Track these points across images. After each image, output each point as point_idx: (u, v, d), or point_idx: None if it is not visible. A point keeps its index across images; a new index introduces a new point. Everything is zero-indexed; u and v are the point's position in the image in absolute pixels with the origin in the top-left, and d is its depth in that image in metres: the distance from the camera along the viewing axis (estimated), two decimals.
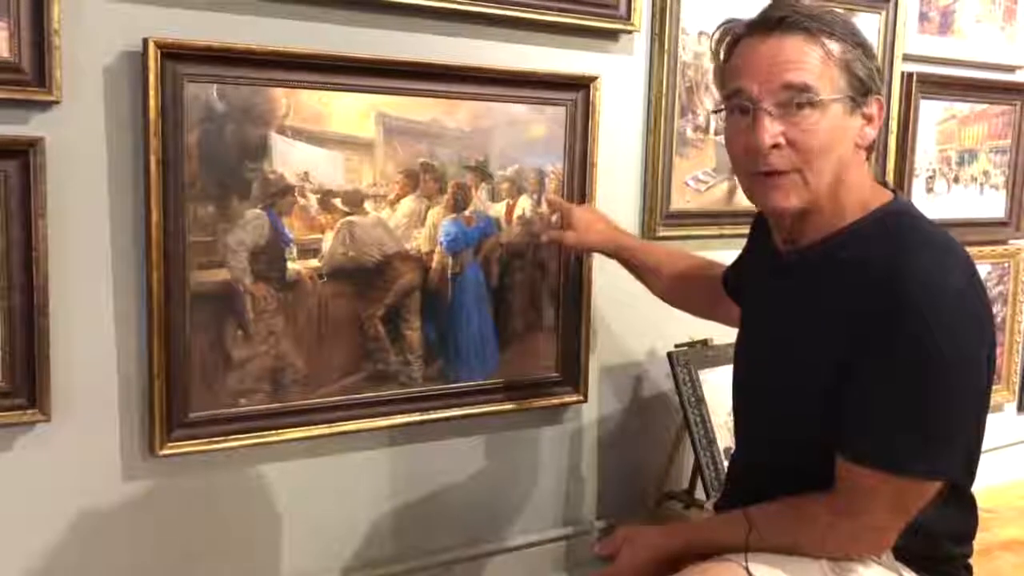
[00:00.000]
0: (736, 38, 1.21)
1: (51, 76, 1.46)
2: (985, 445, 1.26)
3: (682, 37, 2.11)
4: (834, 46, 1.15)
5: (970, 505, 1.28)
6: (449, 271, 1.89)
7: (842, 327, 1.15)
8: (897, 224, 1.19)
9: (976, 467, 1.25)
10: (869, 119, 1.19)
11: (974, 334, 1.13)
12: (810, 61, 1.14)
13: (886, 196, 1.23)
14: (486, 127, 1.89)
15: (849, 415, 1.15)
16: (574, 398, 2.10)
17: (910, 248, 1.14)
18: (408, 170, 1.81)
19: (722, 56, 1.23)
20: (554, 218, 1.93)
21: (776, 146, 1.15)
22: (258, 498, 1.79)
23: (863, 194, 1.21)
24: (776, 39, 1.15)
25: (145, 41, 1.52)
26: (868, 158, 1.23)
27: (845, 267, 1.17)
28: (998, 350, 1.44)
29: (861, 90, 1.17)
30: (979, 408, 1.19)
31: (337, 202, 1.75)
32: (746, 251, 1.52)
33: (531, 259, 1.99)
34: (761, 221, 1.39)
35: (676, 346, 2.11)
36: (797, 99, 1.14)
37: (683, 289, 1.74)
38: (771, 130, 1.14)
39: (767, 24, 1.16)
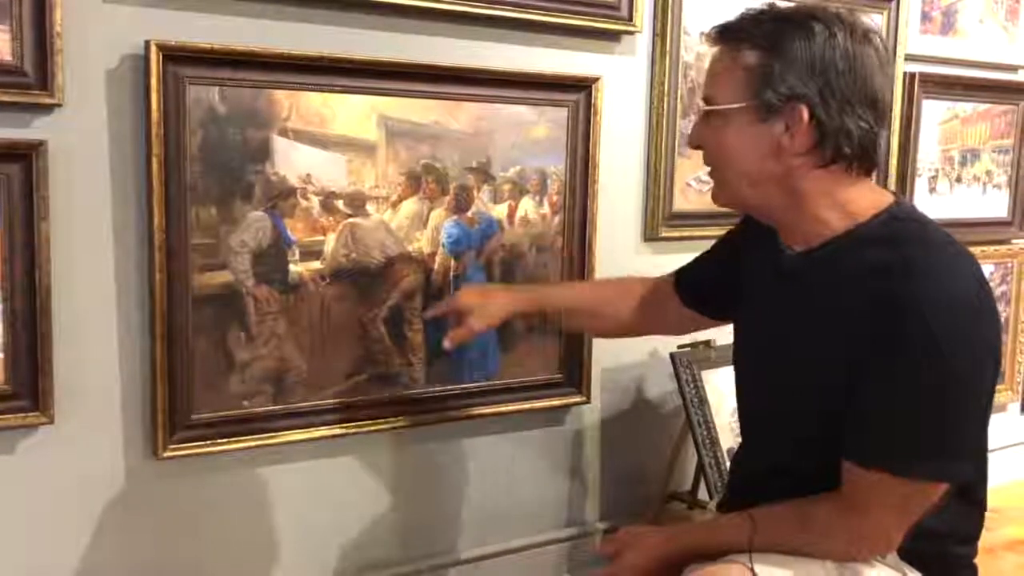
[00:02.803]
0: None
1: (53, 79, 1.46)
2: (989, 445, 1.26)
3: (684, 38, 2.11)
4: (747, 54, 1.18)
5: (976, 505, 1.28)
6: (451, 272, 1.89)
7: (848, 328, 1.15)
8: (903, 228, 1.18)
9: (985, 467, 1.25)
10: (788, 127, 1.16)
11: (982, 337, 1.13)
12: (719, 71, 1.22)
13: (887, 199, 1.22)
14: (488, 128, 1.89)
15: (855, 417, 1.15)
16: (576, 399, 2.10)
17: (918, 251, 1.14)
18: (410, 172, 1.81)
19: None
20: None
21: (699, 147, 1.27)
22: (260, 500, 1.79)
23: (849, 202, 1.19)
24: (714, 50, 1.23)
25: (147, 44, 1.52)
26: (857, 170, 1.19)
27: (852, 268, 1.17)
28: (1002, 352, 1.44)
29: (771, 99, 1.15)
30: (985, 410, 1.19)
31: (339, 204, 1.75)
32: (732, 258, 1.46)
33: (533, 260, 1.99)
34: (754, 225, 1.36)
35: (679, 347, 2.11)
36: (705, 107, 1.24)
37: (636, 318, 1.62)
38: (695, 133, 1.27)
39: (711, 36, 1.24)
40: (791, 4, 1.22)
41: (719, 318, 1.55)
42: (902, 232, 1.17)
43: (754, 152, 1.20)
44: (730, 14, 1.24)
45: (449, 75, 1.81)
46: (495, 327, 1.69)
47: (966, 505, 1.25)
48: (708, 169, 1.29)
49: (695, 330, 1.66)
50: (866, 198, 1.21)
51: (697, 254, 1.59)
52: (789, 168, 1.18)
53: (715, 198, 1.30)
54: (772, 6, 1.21)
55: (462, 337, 1.61)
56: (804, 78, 1.14)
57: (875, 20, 2.42)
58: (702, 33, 2.11)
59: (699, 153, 1.29)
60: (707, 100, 1.24)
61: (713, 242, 1.56)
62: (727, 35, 1.21)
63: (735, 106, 1.19)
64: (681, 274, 1.59)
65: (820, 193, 1.20)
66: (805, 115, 1.15)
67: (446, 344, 1.62)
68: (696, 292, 1.55)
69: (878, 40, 1.18)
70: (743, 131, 1.19)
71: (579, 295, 1.74)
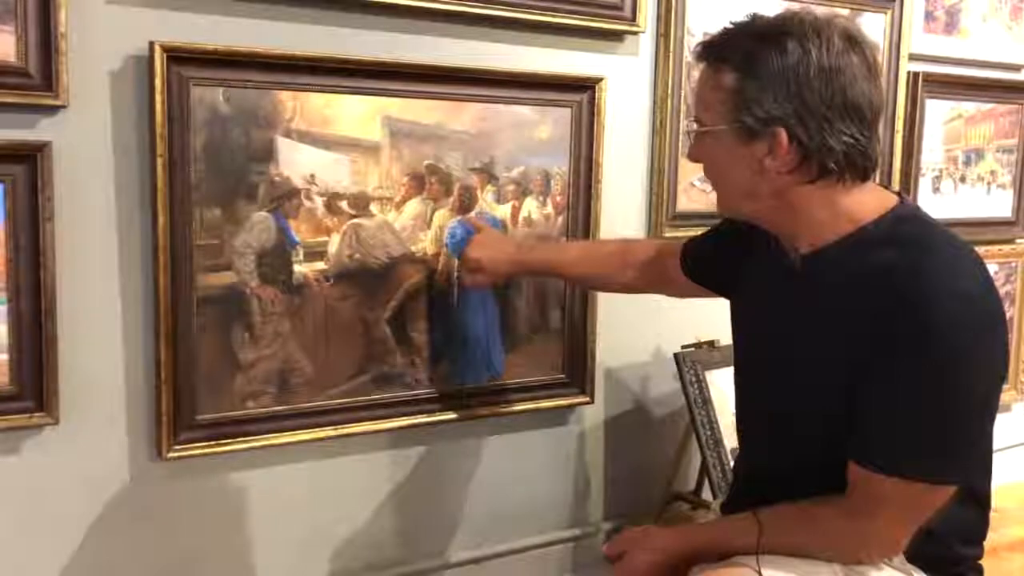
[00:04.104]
0: None
1: (58, 80, 1.46)
2: (994, 445, 1.25)
3: (687, 38, 2.11)
4: (724, 77, 1.17)
5: (982, 506, 1.28)
6: (455, 273, 1.89)
7: (853, 328, 1.14)
8: (908, 228, 1.18)
9: (991, 468, 1.25)
10: (770, 149, 1.15)
11: (988, 337, 1.12)
12: (703, 91, 1.23)
13: (891, 200, 1.22)
14: (491, 129, 1.89)
15: (860, 419, 1.14)
16: (580, 399, 2.10)
17: (923, 251, 1.14)
18: (414, 172, 1.82)
19: None
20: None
21: (699, 161, 1.27)
22: (264, 500, 1.79)
23: (851, 207, 1.19)
24: (701, 68, 1.24)
25: (151, 45, 1.52)
26: (849, 179, 1.17)
27: (856, 269, 1.16)
28: (1008, 353, 1.44)
29: (750, 123, 1.15)
30: (993, 410, 1.18)
31: (343, 204, 1.75)
32: (734, 243, 1.45)
33: None
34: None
35: (683, 347, 2.11)
36: (695, 128, 1.25)
37: (638, 280, 1.71)
38: (690, 149, 1.28)
39: (696, 53, 1.24)
40: (773, 15, 1.20)
41: (717, 293, 1.55)
42: (906, 233, 1.17)
43: (743, 171, 1.19)
44: (732, 14, 1.24)
45: (452, 76, 1.81)
46: (499, 281, 1.87)
47: (972, 506, 1.25)
48: None
49: (696, 296, 1.67)
50: (867, 201, 1.20)
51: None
52: (779, 185, 1.18)
53: (718, 207, 1.31)
54: (754, 18, 1.20)
55: (478, 283, 1.79)
56: (780, 100, 1.13)
57: (878, 20, 2.42)
58: (706, 33, 2.10)
59: None
60: (696, 120, 1.24)
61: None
62: (709, 53, 1.21)
63: (719, 128, 1.19)
64: (688, 247, 1.60)
65: (817, 205, 1.19)
66: (784, 138, 1.14)
67: (464, 281, 1.82)
68: (699, 266, 1.57)
69: (863, 46, 1.16)
70: (729, 152, 1.19)
71: (583, 257, 1.78)
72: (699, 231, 2.14)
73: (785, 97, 1.13)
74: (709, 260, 1.54)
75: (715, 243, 1.54)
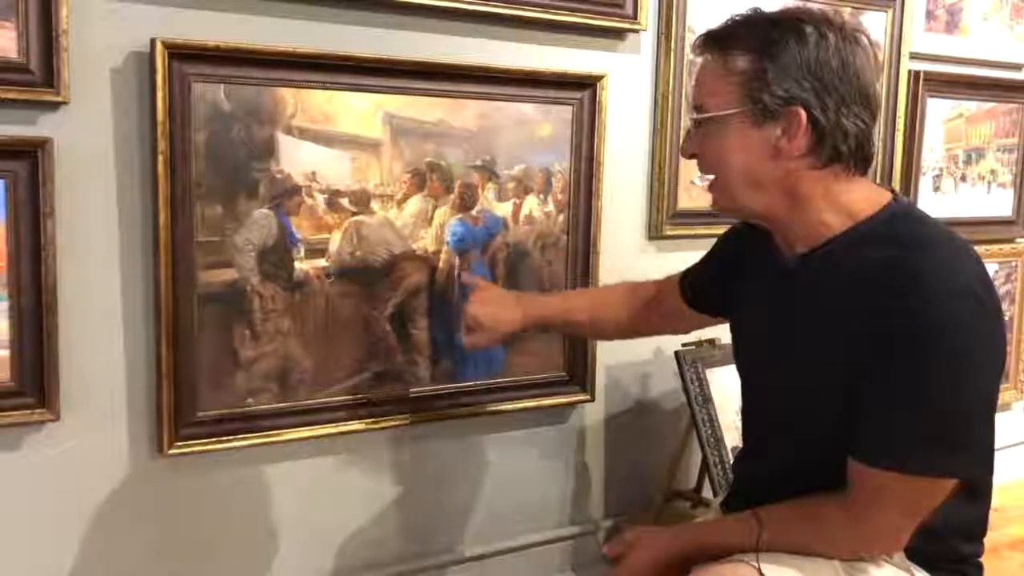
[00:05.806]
0: None
1: (59, 77, 1.46)
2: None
3: (688, 36, 2.11)
4: (737, 61, 1.18)
5: (983, 502, 1.28)
6: (456, 270, 1.89)
7: (851, 327, 1.15)
8: (903, 225, 1.18)
9: (992, 464, 1.25)
10: (785, 131, 1.16)
11: (986, 332, 1.13)
12: (709, 80, 1.22)
13: (885, 197, 1.22)
14: (492, 126, 1.89)
15: (861, 415, 1.15)
16: (581, 397, 2.10)
17: (920, 247, 1.14)
18: (415, 170, 1.82)
19: None
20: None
21: (694, 156, 1.27)
22: (265, 497, 1.79)
23: (850, 202, 1.20)
24: (702, 59, 1.24)
25: (152, 41, 1.52)
26: (854, 169, 1.19)
27: (853, 268, 1.17)
28: (1006, 349, 1.45)
29: (767, 103, 1.16)
30: (992, 405, 1.19)
31: (344, 202, 1.75)
32: (730, 258, 1.48)
33: (537, 258, 1.99)
34: (747, 228, 1.38)
35: (683, 345, 2.11)
36: (696, 117, 1.24)
37: (638, 319, 1.68)
38: (689, 143, 1.27)
39: (698, 45, 1.24)
40: (777, 8, 1.22)
41: (722, 317, 1.56)
42: (902, 230, 1.17)
43: (752, 156, 1.19)
44: (733, 12, 1.24)
45: (454, 73, 1.81)
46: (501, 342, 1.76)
47: (972, 502, 1.25)
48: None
49: (700, 328, 1.69)
50: (865, 197, 1.21)
51: (700, 252, 1.60)
52: (787, 170, 1.19)
53: (715, 203, 1.29)
54: (758, 11, 1.21)
55: (476, 344, 1.68)
56: (799, 80, 1.14)
57: (879, 19, 2.42)
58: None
59: None
60: (699, 108, 1.23)
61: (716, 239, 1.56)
62: (716, 42, 1.21)
63: (730, 112, 1.19)
64: (686, 275, 1.60)
65: (819, 194, 1.20)
66: (803, 117, 1.15)
67: (464, 343, 1.69)
68: (698, 292, 1.56)
69: (864, 38, 1.19)
70: (739, 137, 1.19)
71: (590, 303, 1.75)
72: (699, 229, 2.18)
73: (805, 78, 1.14)
74: (705, 284, 1.54)
75: (710, 267, 1.55)
